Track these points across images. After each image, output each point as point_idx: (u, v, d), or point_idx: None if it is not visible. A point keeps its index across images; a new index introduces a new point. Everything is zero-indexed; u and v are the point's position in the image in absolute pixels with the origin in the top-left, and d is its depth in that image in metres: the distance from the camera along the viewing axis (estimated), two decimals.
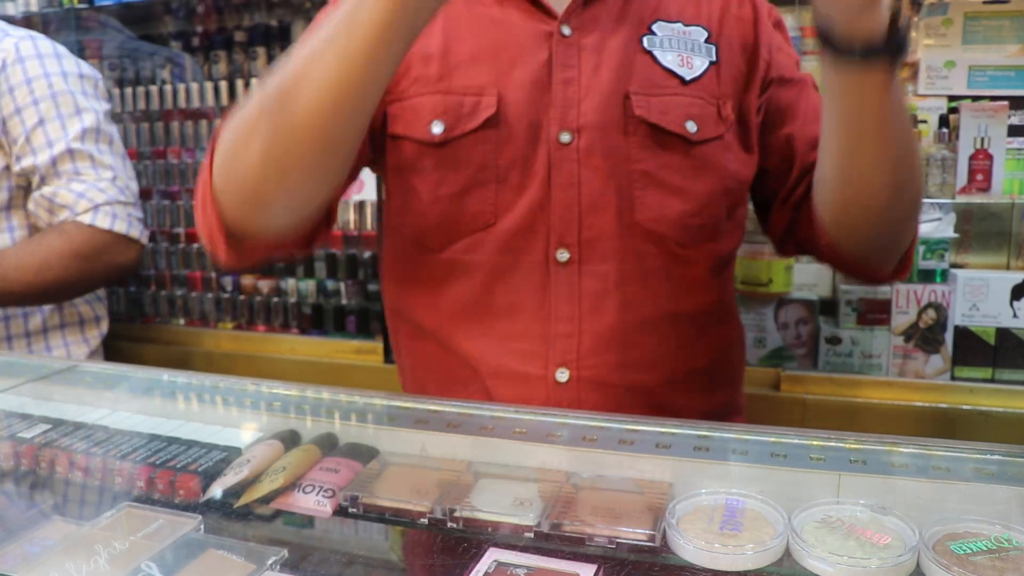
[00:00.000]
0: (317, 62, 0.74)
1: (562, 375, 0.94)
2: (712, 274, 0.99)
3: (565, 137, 0.93)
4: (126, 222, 1.49)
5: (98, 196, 1.46)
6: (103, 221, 1.46)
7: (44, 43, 1.52)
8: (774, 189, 1.02)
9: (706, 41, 0.97)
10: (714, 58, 0.97)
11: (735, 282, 1.11)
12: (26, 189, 1.51)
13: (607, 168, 0.92)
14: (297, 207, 0.85)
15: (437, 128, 0.93)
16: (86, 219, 1.45)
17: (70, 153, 1.46)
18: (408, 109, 0.95)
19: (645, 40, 0.95)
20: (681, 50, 0.96)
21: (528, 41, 0.94)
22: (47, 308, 1.53)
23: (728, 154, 0.96)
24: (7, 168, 1.48)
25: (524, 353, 0.94)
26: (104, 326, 1.65)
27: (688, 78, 0.95)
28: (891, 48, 0.72)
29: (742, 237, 1.05)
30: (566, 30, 0.94)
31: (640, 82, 0.93)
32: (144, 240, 1.53)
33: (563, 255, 0.93)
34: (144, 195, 1.94)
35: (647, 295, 0.95)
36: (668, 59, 0.95)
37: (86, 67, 1.57)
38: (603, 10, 0.96)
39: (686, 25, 0.97)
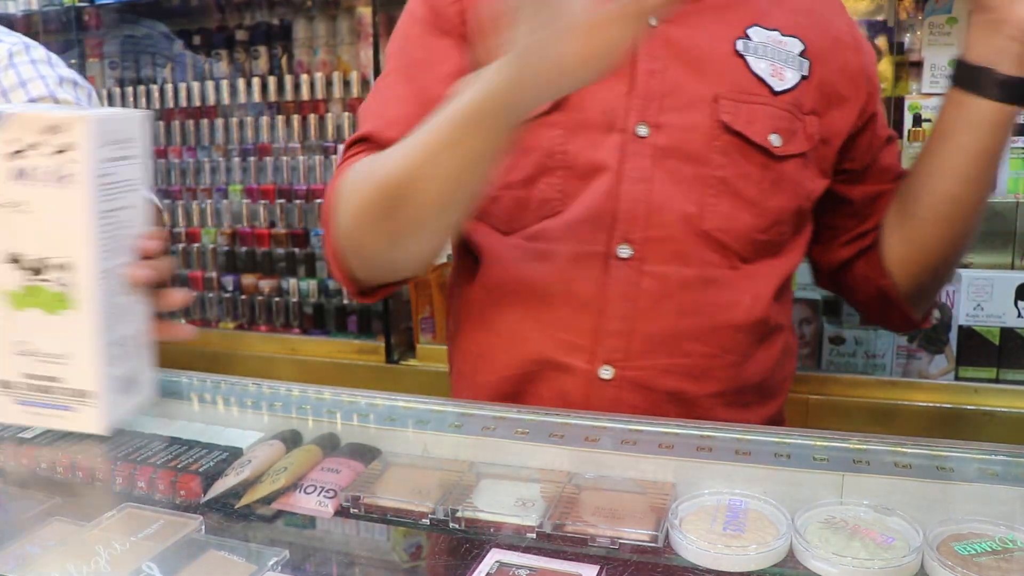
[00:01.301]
0: (438, 166, 0.79)
1: (606, 372, 0.91)
2: (772, 290, 0.95)
3: (643, 130, 0.90)
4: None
5: None
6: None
7: (38, 50, 1.51)
8: (848, 227, 1.02)
9: (800, 54, 0.94)
10: (806, 73, 0.94)
11: (791, 298, 1.07)
12: None
13: (683, 169, 0.90)
14: (426, 260, 0.94)
15: None
16: None
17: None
18: None
19: (739, 44, 0.92)
20: (774, 59, 0.93)
21: None
22: None
23: (806, 172, 0.94)
24: None
25: (572, 345, 0.92)
26: None
27: (778, 89, 0.92)
28: None
29: (804, 255, 1.02)
30: (653, 20, 0.89)
31: (729, 86, 0.90)
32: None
33: (625, 251, 0.90)
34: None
35: (705, 303, 0.91)
36: (760, 67, 0.92)
37: (80, 79, 1.55)
38: (695, 6, 0.92)
39: (783, 35, 0.94)
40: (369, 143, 0.94)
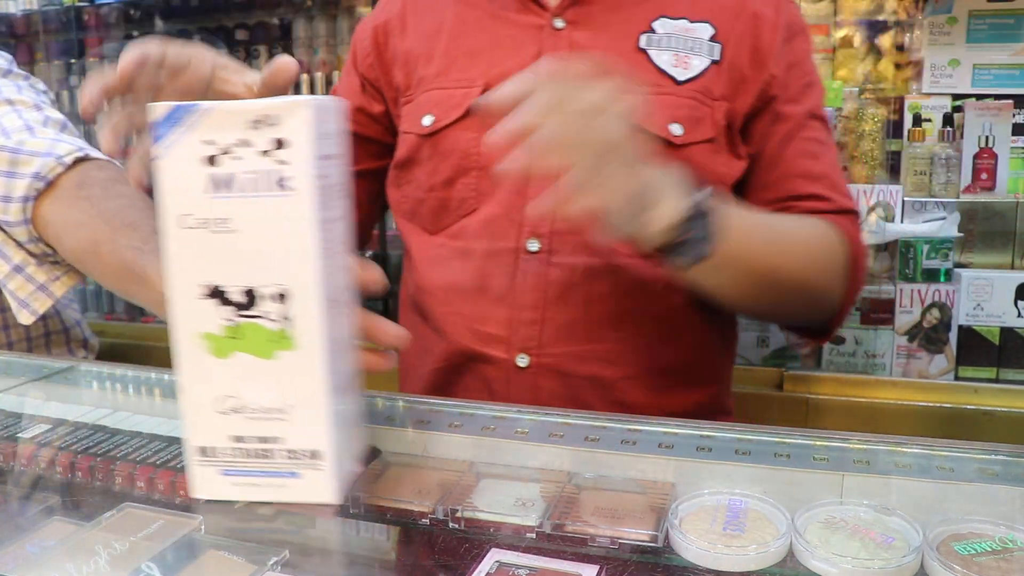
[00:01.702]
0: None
1: (522, 360, 0.96)
2: None
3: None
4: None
5: (77, 141, 1.10)
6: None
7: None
8: None
9: (711, 39, 0.95)
10: (717, 57, 0.95)
11: None
12: None
13: None
14: None
15: (427, 120, 0.98)
16: (92, 155, 1.12)
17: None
18: (412, 108, 1.01)
19: (643, 38, 0.95)
20: (679, 49, 0.95)
21: (521, 35, 0.97)
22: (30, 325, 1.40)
23: (718, 157, 0.95)
24: None
25: (490, 337, 0.97)
26: (93, 347, 1.57)
27: (682, 79, 0.94)
28: (688, 242, 0.75)
29: None
30: (558, 23, 0.96)
31: None
32: None
33: (534, 245, 0.95)
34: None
35: (615, 291, 0.95)
36: (663, 59, 0.94)
37: (39, 83, 1.40)
38: (599, 6, 0.96)
39: (691, 22, 0.96)
40: None
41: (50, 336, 1.47)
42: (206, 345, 0.56)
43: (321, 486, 0.57)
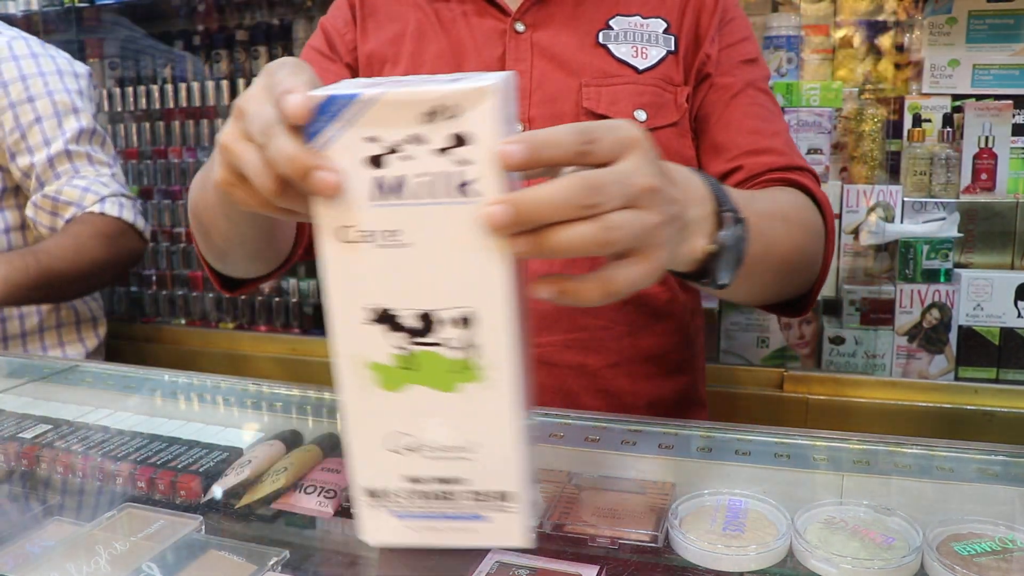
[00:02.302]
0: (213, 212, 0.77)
1: None
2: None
3: (516, 128, 0.94)
4: (132, 213, 1.50)
5: (103, 189, 1.48)
6: (112, 210, 1.47)
7: (37, 43, 1.52)
8: None
9: (665, 32, 0.99)
10: (672, 48, 0.98)
11: None
12: (16, 189, 1.50)
13: None
14: (265, 268, 0.89)
15: None
16: (96, 209, 1.45)
17: (67, 154, 1.47)
18: None
19: (601, 35, 0.98)
20: (636, 42, 0.98)
21: (483, 39, 0.99)
22: (44, 308, 1.53)
23: (684, 140, 0.98)
24: (1, 168, 1.48)
25: None
26: (102, 328, 1.64)
27: (642, 67, 0.97)
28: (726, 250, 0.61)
29: None
30: (520, 27, 0.98)
31: (592, 74, 0.96)
32: (147, 234, 1.55)
33: None
34: (145, 194, 1.94)
35: None
36: (622, 51, 0.97)
37: (79, 65, 1.57)
38: (557, 8, 0.99)
39: (644, 18, 0.99)
40: None
41: (62, 324, 1.53)
42: (374, 377, 0.47)
43: (512, 529, 0.49)
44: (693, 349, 1.08)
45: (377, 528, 0.50)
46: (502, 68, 0.97)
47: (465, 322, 0.45)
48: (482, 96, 0.43)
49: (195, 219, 0.83)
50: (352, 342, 0.47)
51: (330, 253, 0.46)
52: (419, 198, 0.44)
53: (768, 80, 1.05)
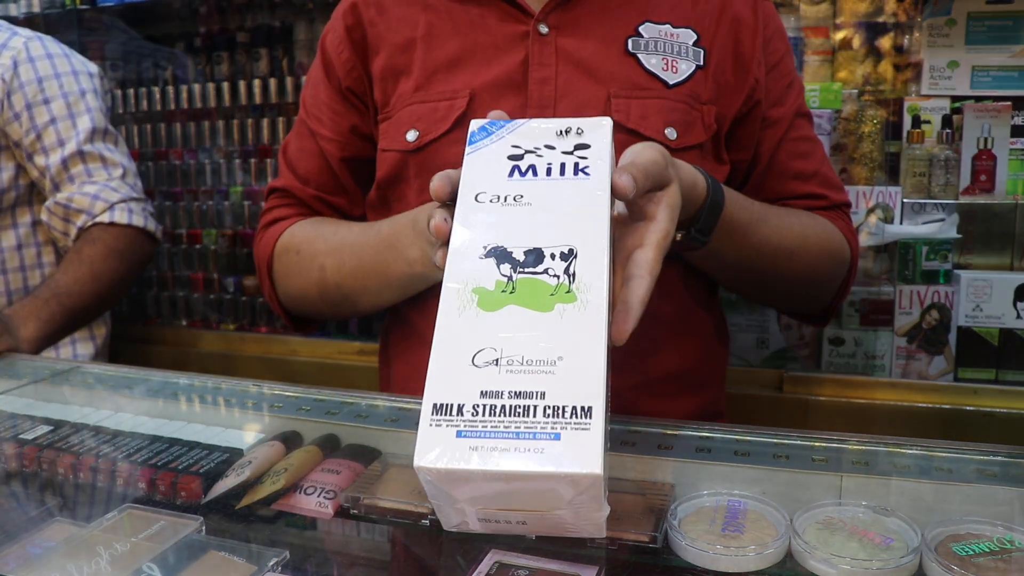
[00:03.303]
0: (371, 280, 0.95)
1: None
2: (685, 279, 0.97)
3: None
4: (142, 217, 1.52)
5: (112, 195, 1.49)
6: (122, 218, 1.48)
7: (52, 43, 1.54)
8: None
9: (695, 44, 0.95)
10: (701, 62, 0.95)
11: (714, 290, 1.09)
12: (31, 188, 1.52)
13: None
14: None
15: (411, 135, 0.95)
16: (105, 219, 1.47)
17: (80, 155, 1.48)
18: (392, 124, 0.98)
19: (630, 42, 0.93)
20: (666, 53, 0.94)
21: (504, 42, 0.94)
22: None
23: (705, 163, 0.95)
24: (19, 168, 1.49)
25: None
26: (104, 330, 1.65)
27: (672, 82, 0.93)
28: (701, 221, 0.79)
29: None
30: (543, 29, 0.94)
31: (622, 85, 0.92)
32: (159, 234, 1.57)
33: None
34: (146, 196, 1.94)
35: None
36: (652, 62, 0.93)
37: (91, 64, 1.58)
38: (584, 10, 0.94)
39: (675, 27, 0.95)
40: (287, 195, 1.09)
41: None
42: (475, 299, 0.53)
43: (584, 452, 0.47)
44: (717, 365, 1.06)
45: (435, 447, 0.48)
46: (524, 74, 0.93)
47: (568, 253, 0.55)
48: (601, 123, 0.62)
49: (338, 290, 0.98)
50: (464, 272, 0.55)
51: (465, 209, 0.58)
52: (544, 177, 0.59)
53: (804, 92, 1.06)
